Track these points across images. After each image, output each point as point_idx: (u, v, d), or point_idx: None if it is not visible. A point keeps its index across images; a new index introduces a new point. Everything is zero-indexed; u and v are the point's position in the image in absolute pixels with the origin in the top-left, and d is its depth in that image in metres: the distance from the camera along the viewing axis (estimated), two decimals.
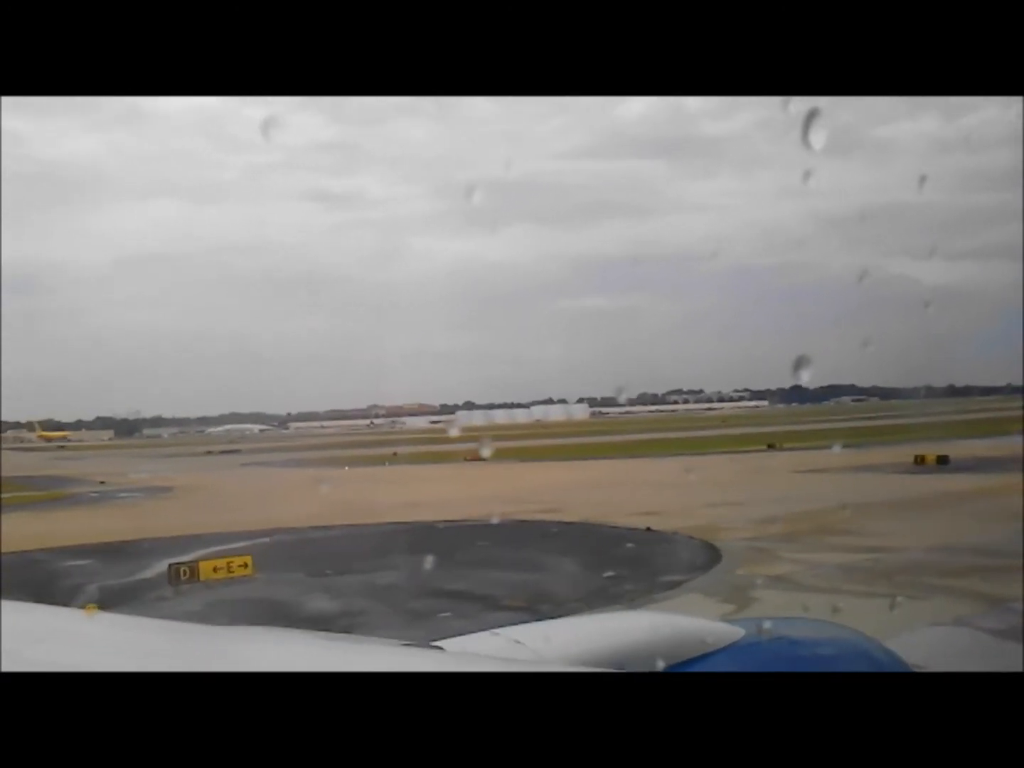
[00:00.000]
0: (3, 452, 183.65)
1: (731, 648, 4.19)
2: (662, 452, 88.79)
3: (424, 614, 23.06)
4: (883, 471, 58.49)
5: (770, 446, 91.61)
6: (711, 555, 31.51)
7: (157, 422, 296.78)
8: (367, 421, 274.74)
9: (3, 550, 30.13)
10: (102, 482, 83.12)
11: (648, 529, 38.14)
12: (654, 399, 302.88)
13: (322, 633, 4.47)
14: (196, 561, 32.59)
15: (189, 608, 26.81)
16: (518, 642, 3.85)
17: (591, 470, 76.98)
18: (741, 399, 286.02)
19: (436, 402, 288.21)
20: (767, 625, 4.47)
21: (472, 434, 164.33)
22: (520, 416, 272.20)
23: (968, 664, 9.90)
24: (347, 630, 18.81)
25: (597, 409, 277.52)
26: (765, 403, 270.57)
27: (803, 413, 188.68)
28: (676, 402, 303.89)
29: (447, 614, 23.53)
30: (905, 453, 64.86)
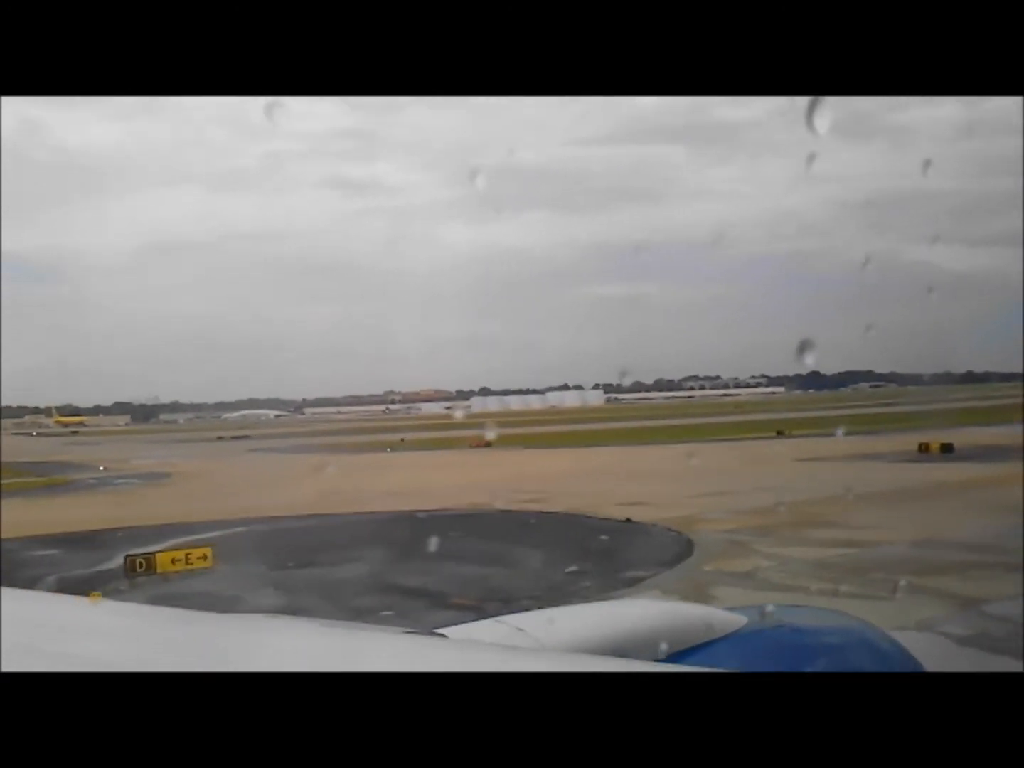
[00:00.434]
0: (18, 437, 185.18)
1: (734, 636, 4.17)
2: (669, 439, 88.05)
3: (366, 612, 22.00)
4: (885, 459, 57.27)
5: (779, 433, 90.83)
6: (683, 549, 30.42)
7: (175, 408, 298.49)
8: (383, 407, 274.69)
9: None
10: (103, 468, 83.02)
11: (628, 520, 37.16)
12: (670, 385, 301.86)
13: (326, 621, 4.45)
14: (153, 553, 31.67)
15: (134, 601, 25.75)
16: (521, 630, 3.83)
17: (593, 457, 76.20)
18: (758, 385, 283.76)
19: (452, 388, 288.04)
20: (770, 613, 4.46)
21: (482, 420, 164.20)
22: (535, 402, 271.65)
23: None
24: None
25: (612, 395, 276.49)
26: (782, 389, 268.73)
27: (819, 399, 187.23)
28: (692, 388, 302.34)
29: (389, 612, 22.46)
30: (912, 441, 63.71)
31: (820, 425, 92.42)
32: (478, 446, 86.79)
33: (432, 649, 3.16)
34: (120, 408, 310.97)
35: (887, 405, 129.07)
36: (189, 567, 31.22)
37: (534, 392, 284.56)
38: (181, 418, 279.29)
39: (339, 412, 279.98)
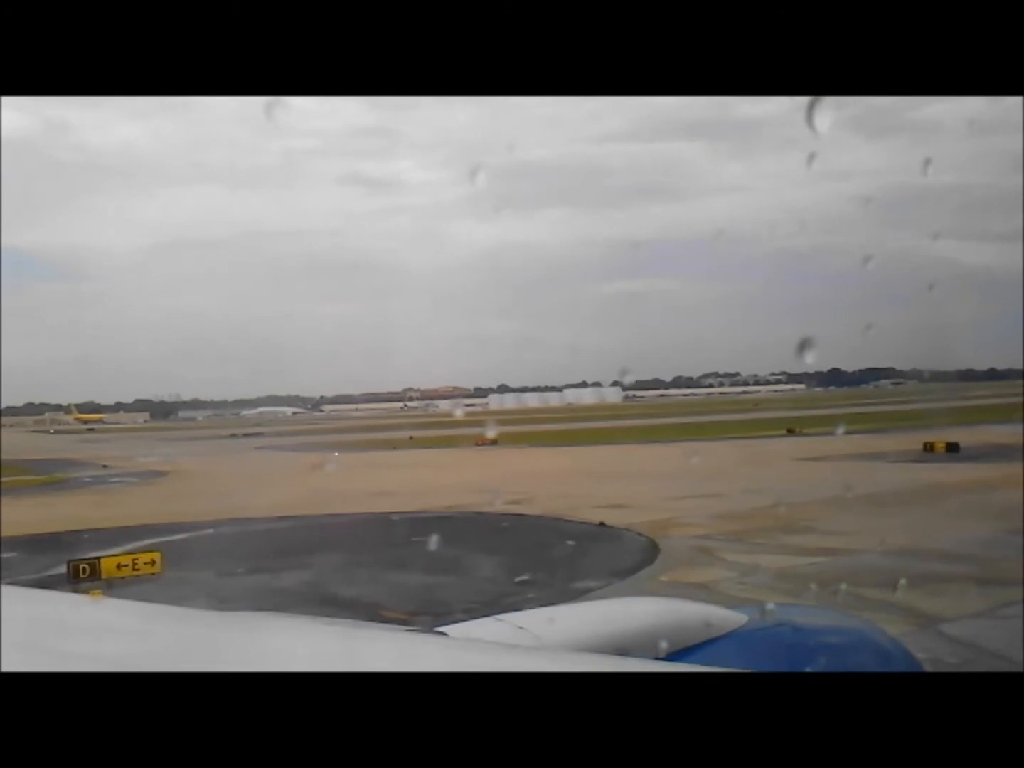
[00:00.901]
0: (34, 434, 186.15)
1: (734, 634, 4.18)
2: (677, 437, 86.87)
3: None
4: (888, 459, 55.59)
5: (790, 431, 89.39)
6: (647, 556, 28.94)
7: (194, 405, 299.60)
8: (401, 404, 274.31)
9: None
10: (105, 466, 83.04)
11: (601, 524, 35.76)
12: (689, 382, 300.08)
13: (326, 619, 4.32)
14: (98, 558, 30.45)
15: None
16: (521, 628, 3.85)
17: (594, 456, 75.29)
18: (778, 382, 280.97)
19: (470, 385, 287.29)
20: (771, 612, 4.47)
21: (495, 418, 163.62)
22: (552, 399, 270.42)
23: None
24: None
25: (631, 392, 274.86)
26: (802, 386, 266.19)
27: (838, 397, 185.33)
28: (711, 385, 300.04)
29: None
30: (922, 439, 61.75)
31: (833, 423, 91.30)
32: (484, 444, 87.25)
33: (432, 647, 3.17)
34: (141, 405, 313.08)
35: (905, 402, 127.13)
36: (136, 573, 29.89)
37: (552, 389, 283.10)
38: (200, 415, 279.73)
39: (357, 409, 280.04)
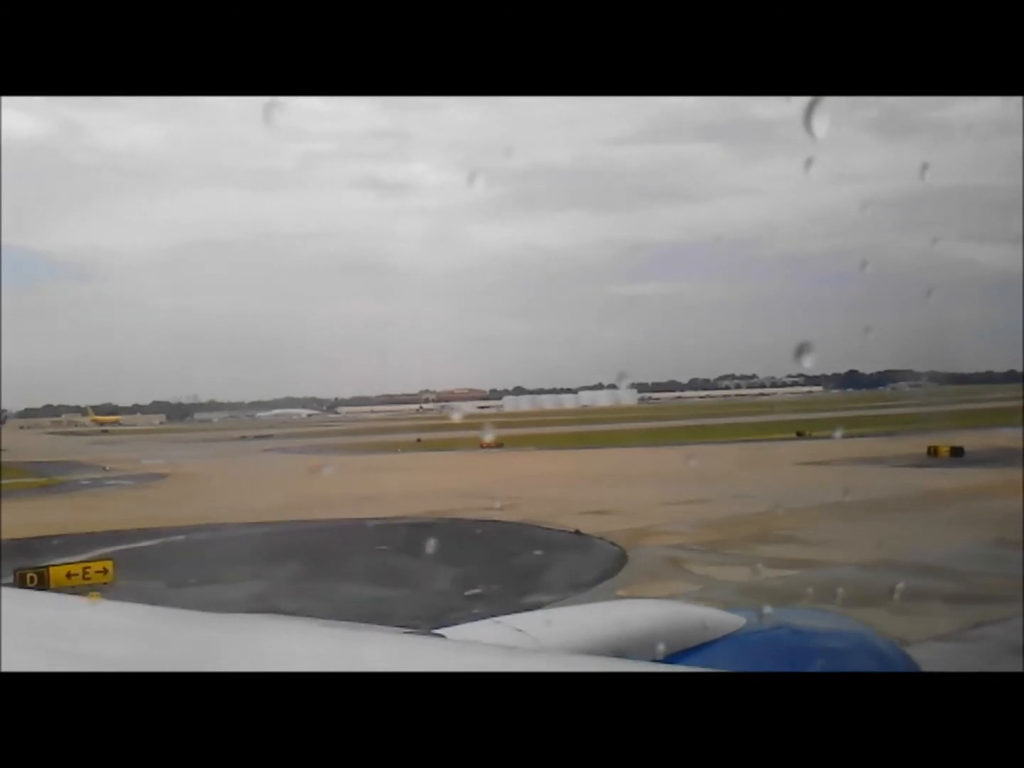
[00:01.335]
0: (46, 436, 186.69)
1: (732, 637, 4.17)
2: (685, 440, 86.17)
3: None
4: (890, 464, 54.49)
5: (799, 434, 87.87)
6: (612, 568, 27.79)
7: (211, 407, 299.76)
8: (416, 406, 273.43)
9: None
10: (106, 468, 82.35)
11: (577, 532, 34.63)
12: (705, 384, 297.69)
13: (326, 621, 4.19)
14: (47, 567, 29.56)
15: None
16: (519, 630, 3.83)
17: (596, 459, 74.39)
18: (795, 384, 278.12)
19: (486, 387, 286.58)
20: (769, 615, 4.45)
21: (505, 420, 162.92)
22: (568, 401, 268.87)
23: None
24: None
25: (647, 395, 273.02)
26: (819, 388, 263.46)
27: (853, 399, 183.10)
28: (728, 387, 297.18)
29: None
30: (934, 442, 60.43)
31: (844, 425, 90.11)
32: (489, 447, 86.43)
33: (430, 649, 3.16)
34: (158, 407, 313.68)
35: (921, 405, 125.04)
36: (86, 582, 29.02)
37: (567, 391, 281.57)
38: (215, 417, 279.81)
39: (373, 411, 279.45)
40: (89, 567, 29.85)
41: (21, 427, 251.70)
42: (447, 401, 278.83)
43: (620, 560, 28.92)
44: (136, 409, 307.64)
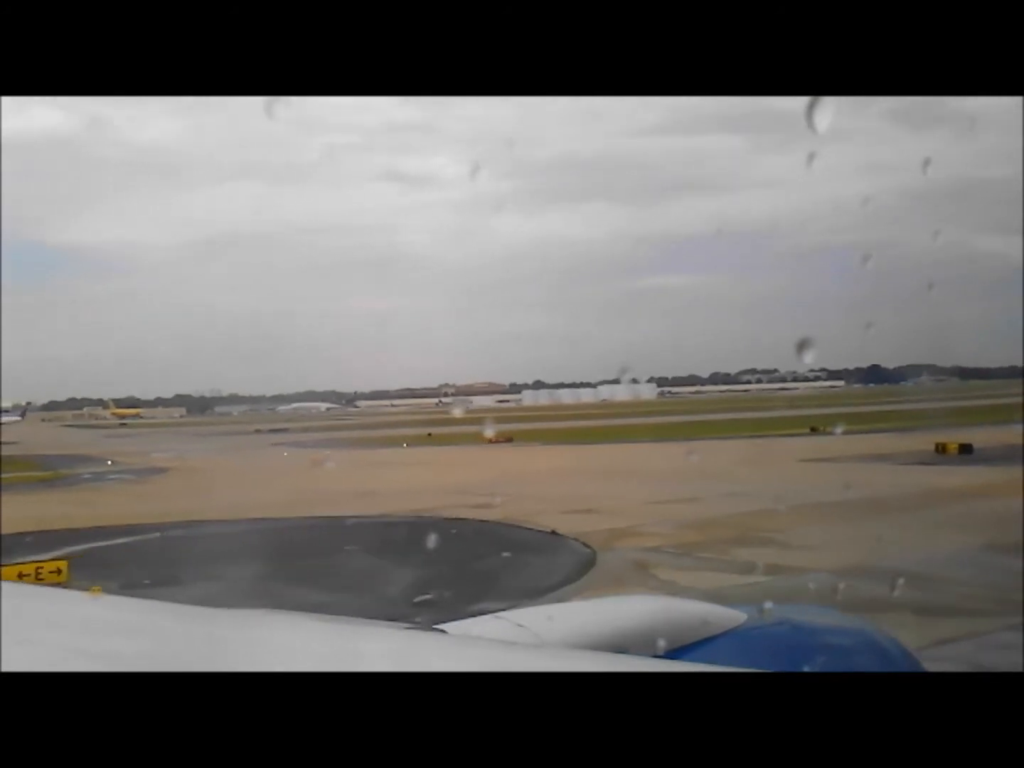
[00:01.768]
0: (64, 429, 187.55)
1: (733, 633, 4.17)
2: (696, 435, 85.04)
3: None
4: (896, 461, 53.12)
5: (813, 430, 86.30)
6: (576, 572, 26.60)
7: (232, 400, 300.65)
8: (436, 400, 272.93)
9: None
10: (111, 462, 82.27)
11: (553, 532, 33.48)
12: (726, 379, 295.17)
13: (326, 616, 3.99)
14: None
15: None
16: (521, 625, 3.85)
17: (598, 455, 73.58)
18: (817, 379, 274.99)
19: (506, 381, 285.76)
20: (769, 611, 4.46)
21: (520, 414, 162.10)
22: (586, 396, 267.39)
23: None
24: None
25: (667, 389, 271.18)
26: (842, 383, 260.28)
27: (875, 394, 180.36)
28: (749, 382, 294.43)
29: None
30: (943, 439, 59.24)
31: (860, 421, 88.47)
32: (498, 442, 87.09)
33: (432, 645, 3.18)
34: (180, 401, 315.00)
35: (942, 400, 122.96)
36: (39, 582, 28.08)
37: (587, 385, 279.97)
38: (236, 411, 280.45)
39: (392, 405, 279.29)
40: (42, 567, 28.93)
41: (43, 420, 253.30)
42: (466, 395, 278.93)
43: (588, 564, 27.76)
44: (158, 403, 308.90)
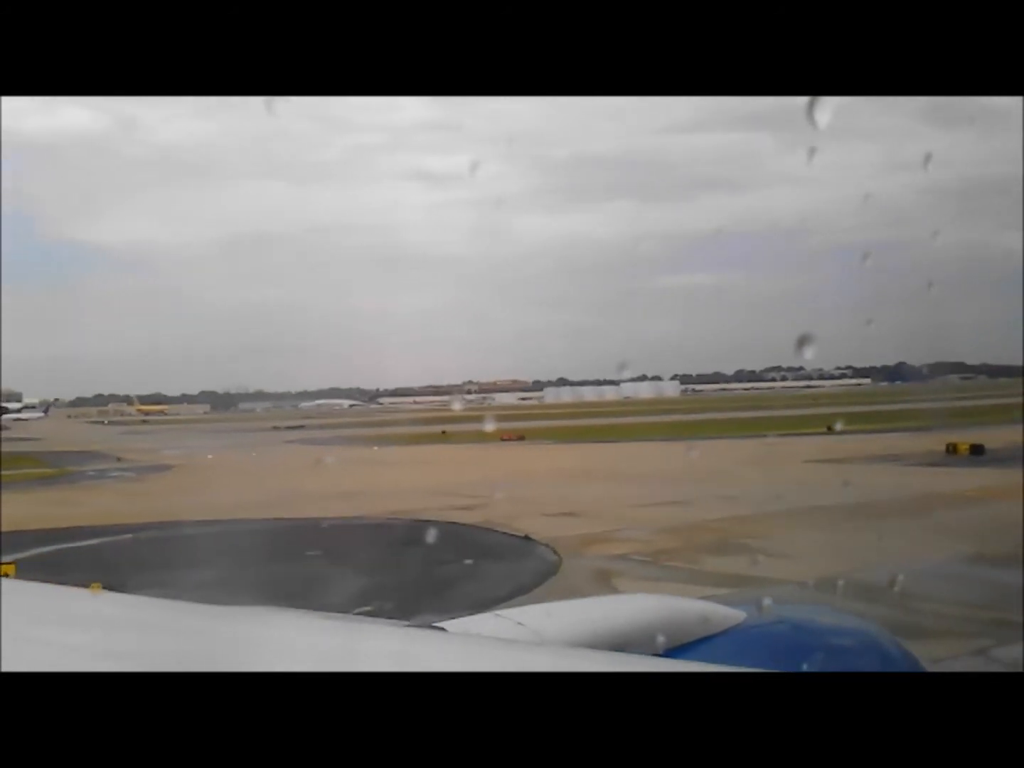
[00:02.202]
0: (85, 425, 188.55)
1: (732, 631, 4.18)
2: (708, 434, 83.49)
3: None
4: (905, 461, 51.53)
5: (829, 429, 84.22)
6: (535, 581, 25.24)
7: (257, 397, 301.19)
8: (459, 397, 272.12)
9: None
10: (119, 459, 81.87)
11: (526, 537, 32.22)
12: (751, 376, 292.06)
13: (325, 614, 4.01)
14: None
15: None
16: (520, 623, 3.87)
17: (602, 454, 72.72)
18: (842, 377, 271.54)
19: (530, 378, 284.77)
20: (769, 610, 4.49)
21: (540, 411, 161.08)
22: (609, 393, 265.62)
23: None
24: None
25: (690, 386, 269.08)
26: (867, 381, 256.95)
27: (900, 392, 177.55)
28: (774, 379, 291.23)
29: None
30: (955, 439, 57.62)
31: (879, 420, 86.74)
32: (509, 439, 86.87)
33: (431, 643, 3.17)
34: (205, 397, 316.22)
35: (966, 399, 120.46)
36: None
37: (610, 383, 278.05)
38: (259, 407, 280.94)
39: (415, 402, 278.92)
40: None
41: (69, 416, 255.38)
42: (489, 392, 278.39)
43: (549, 573, 26.44)
44: (183, 399, 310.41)
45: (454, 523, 36.35)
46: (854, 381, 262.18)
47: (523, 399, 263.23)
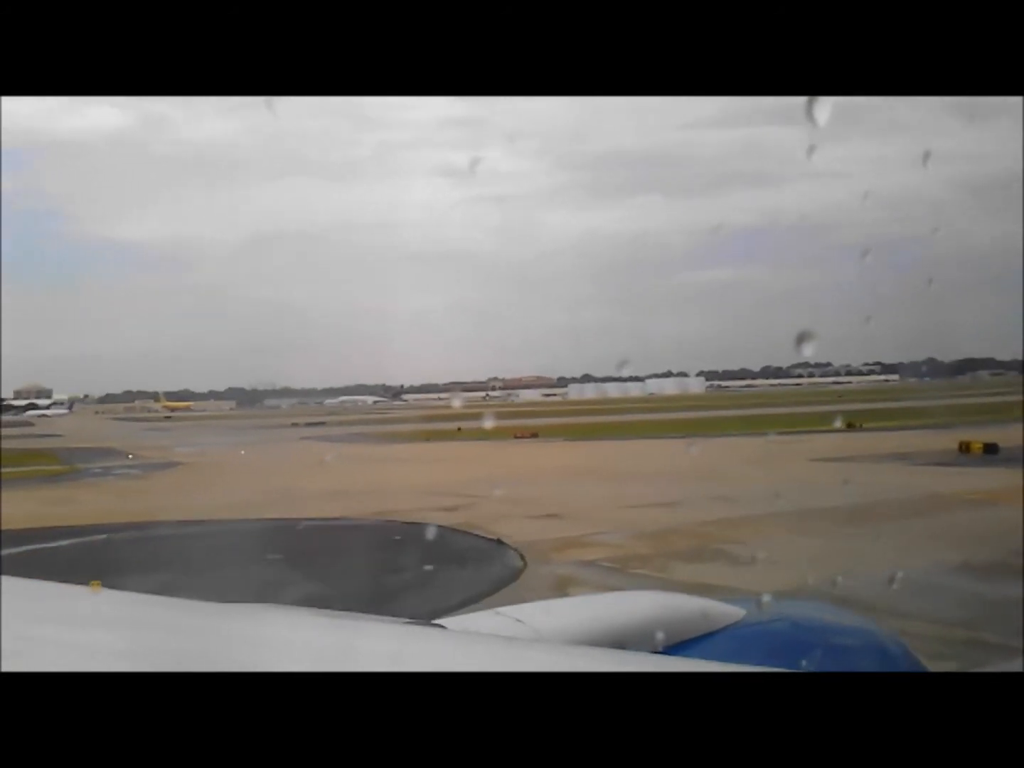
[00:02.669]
0: (110, 422, 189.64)
1: (731, 628, 4.16)
2: (721, 431, 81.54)
3: None
4: (915, 460, 49.51)
5: (849, 425, 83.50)
6: (491, 589, 23.89)
7: (284, 393, 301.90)
8: (483, 394, 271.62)
9: None
10: (130, 456, 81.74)
11: (498, 541, 31.02)
12: (778, 372, 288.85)
13: (325, 611, 4.22)
14: None
15: None
16: (519, 621, 3.86)
17: (615, 451, 71.18)
18: (871, 373, 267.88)
19: (555, 375, 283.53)
20: (769, 607, 4.49)
21: (561, 408, 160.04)
22: (634, 390, 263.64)
23: None
24: None
25: (716, 383, 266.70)
26: (896, 377, 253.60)
27: (927, 388, 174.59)
28: (801, 375, 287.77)
29: None
30: (969, 437, 55.88)
31: (900, 416, 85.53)
32: (523, 437, 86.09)
33: (430, 640, 3.17)
34: (232, 394, 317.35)
35: (994, 395, 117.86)
36: None
37: (635, 379, 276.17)
38: (284, 403, 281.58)
39: (439, 398, 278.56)
40: None
41: (96, 412, 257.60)
42: (514, 389, 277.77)
43: (508, 580, 25.12)
44: (211, 396, 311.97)
45: (431, 525, 35.43)
46: (882, 377, 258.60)
47: (547, 395, 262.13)
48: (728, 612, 4.29)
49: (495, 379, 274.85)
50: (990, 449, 51.15)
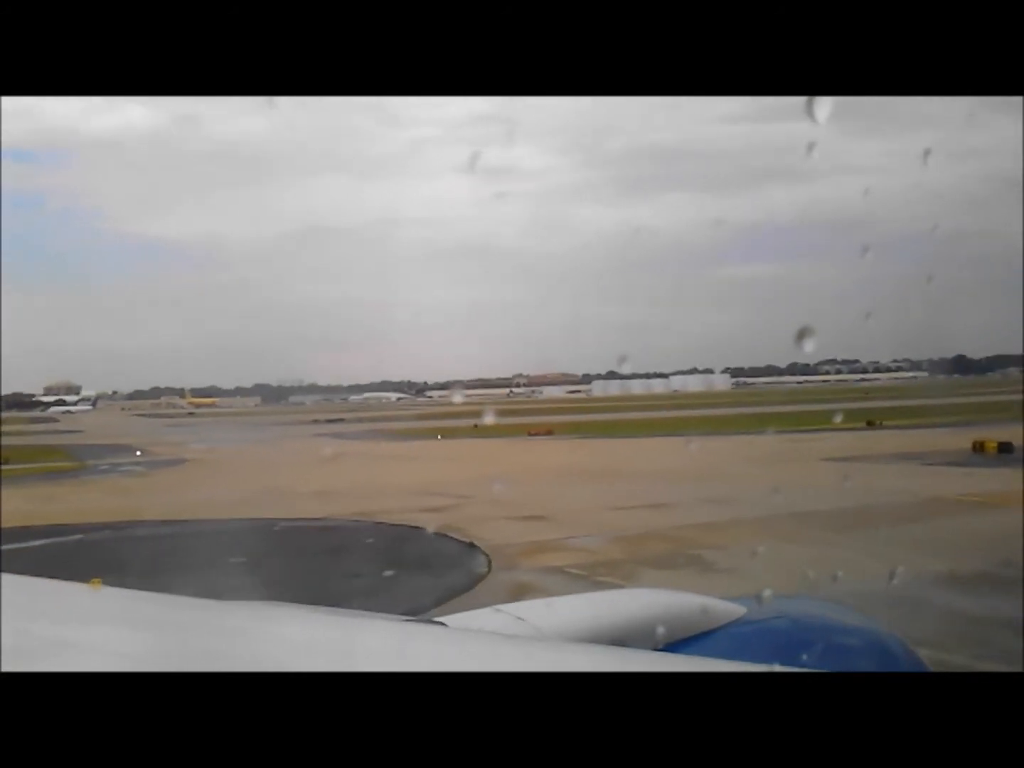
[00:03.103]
0: (133, 418, 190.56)
1: (732, 626, 4.17)
2: (737, 429, 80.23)
3: None
4: (927, 460, 47.98)
5: (869, 423, 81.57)
6: (448, 595, 22.68)
7: (310, 389, 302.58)
8: (507, 390, 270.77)
9: None
10: (138, 453, 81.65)
11: (471, 544, 29.89)
12: (805, 369, 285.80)
13: (326, 608, 4.32)
14: None
15: None
16: (520, 618, 3.87)
17: (621, 450, 70.12)
18: (899, 369, 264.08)
19: (580, 371, 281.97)
20: (770, 604, 4.50)
21: (582, 405, 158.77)
22: (659, 387, 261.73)
23: None
24: None
25: (742, 380, 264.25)
26: (924, 374, 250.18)
27: (955, 386, 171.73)
28: (828, 372, 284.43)
29: None
30: (983, 436, 54.35)
31: (923, 415, 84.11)
32: (537, 434, 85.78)
33: (431, 638, 3.18)
34: (258, 390, 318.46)
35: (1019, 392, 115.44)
36: None
37: (660, 376, 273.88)
38: (309, 400, 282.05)
39: (463, 395, 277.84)
40: None
41: (122, 408, 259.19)
42: (538, 385, 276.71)
43: (467, 587, 23.97)
44: (237, 392, 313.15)
45: (405, 526, 34.23)
46: (910, 374, 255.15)
47: (571, 392, 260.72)
48: (729, 609, 4.28)
49: (520, 376, 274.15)
50: (1005, 448, 49.31)
